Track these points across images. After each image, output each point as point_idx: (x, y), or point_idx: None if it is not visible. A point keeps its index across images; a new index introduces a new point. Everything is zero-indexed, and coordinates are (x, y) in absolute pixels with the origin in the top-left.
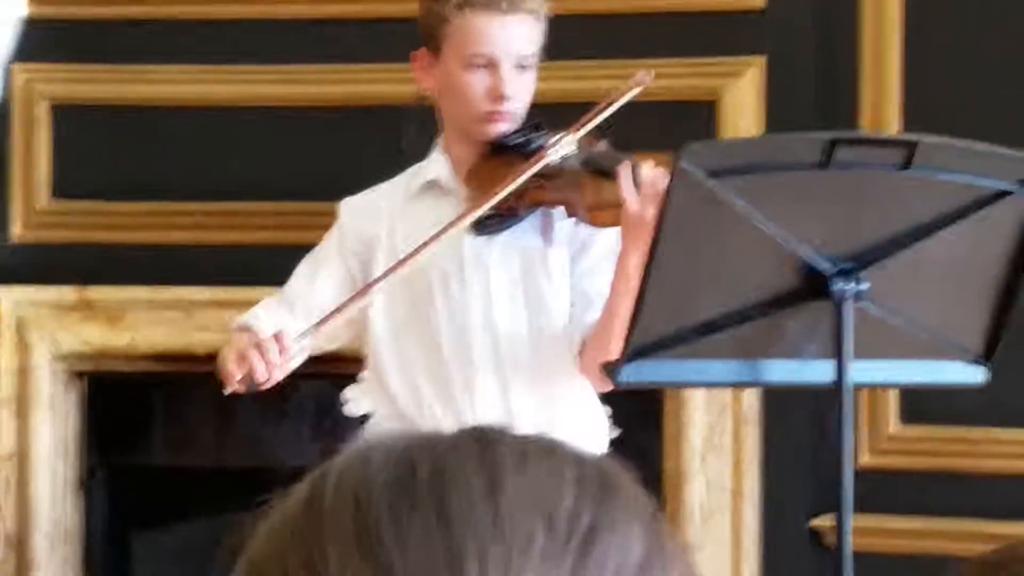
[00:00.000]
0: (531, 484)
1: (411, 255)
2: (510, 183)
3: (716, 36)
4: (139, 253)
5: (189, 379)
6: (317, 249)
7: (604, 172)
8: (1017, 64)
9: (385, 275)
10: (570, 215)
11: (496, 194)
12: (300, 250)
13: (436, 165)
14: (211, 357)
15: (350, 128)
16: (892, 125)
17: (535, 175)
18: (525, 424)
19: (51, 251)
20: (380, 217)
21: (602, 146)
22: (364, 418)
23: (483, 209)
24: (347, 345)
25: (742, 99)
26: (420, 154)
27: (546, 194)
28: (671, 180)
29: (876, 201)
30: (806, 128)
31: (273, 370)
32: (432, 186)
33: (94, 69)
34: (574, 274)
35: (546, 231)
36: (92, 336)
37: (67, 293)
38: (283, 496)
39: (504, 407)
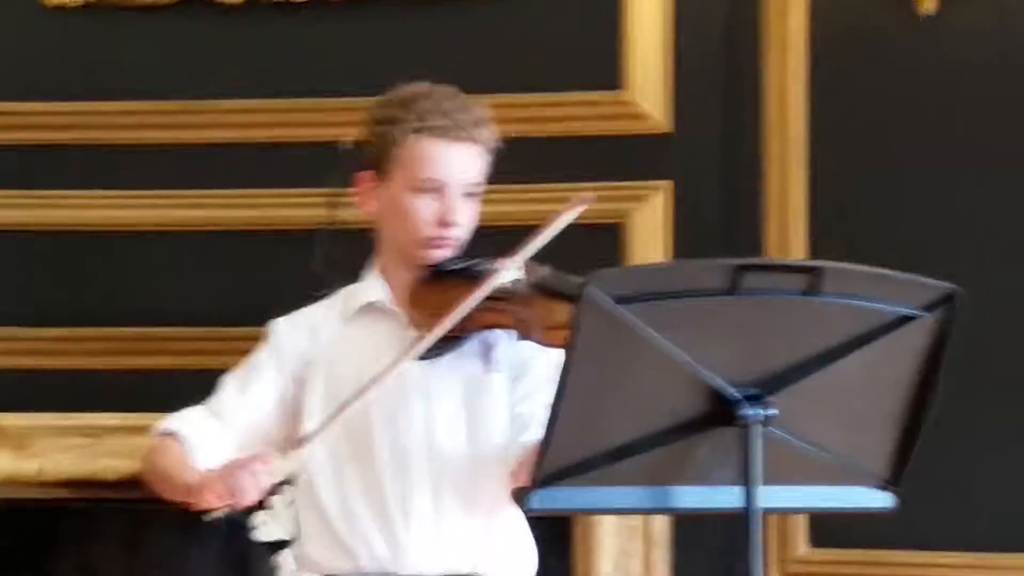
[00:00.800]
0: None
1: (381, 375)
2: (463, 306)
3: (623, 160)
4: (47, 379)
5: (98, 506)
6: (245, 366)
7: (557, 294)
8: (924, 188)
9: (356, 397)
10: (523, 336)
11: (450, 317)
12: (210, 375)
13: (373, 288)
14: (120, 483)
15: (260, 252)
16: (798, 251)
17: (489, 299)
18: (456, 547)
19: None
20: (317, 337)
21: (545, 268)
22: (277, 544)
23: (441, 331)
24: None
25: (649, 223)
26: (331, 277)
27: (498, 317)
28: (578, 306)
29: (783, 326)
30: (713, 252)
31: (259, 497)
32: (370, 308)
33: (4, 194)
34: (513, 396)
35: (486, 355)
36: (1, 463)
37: None
38: None
39: (437, 529)
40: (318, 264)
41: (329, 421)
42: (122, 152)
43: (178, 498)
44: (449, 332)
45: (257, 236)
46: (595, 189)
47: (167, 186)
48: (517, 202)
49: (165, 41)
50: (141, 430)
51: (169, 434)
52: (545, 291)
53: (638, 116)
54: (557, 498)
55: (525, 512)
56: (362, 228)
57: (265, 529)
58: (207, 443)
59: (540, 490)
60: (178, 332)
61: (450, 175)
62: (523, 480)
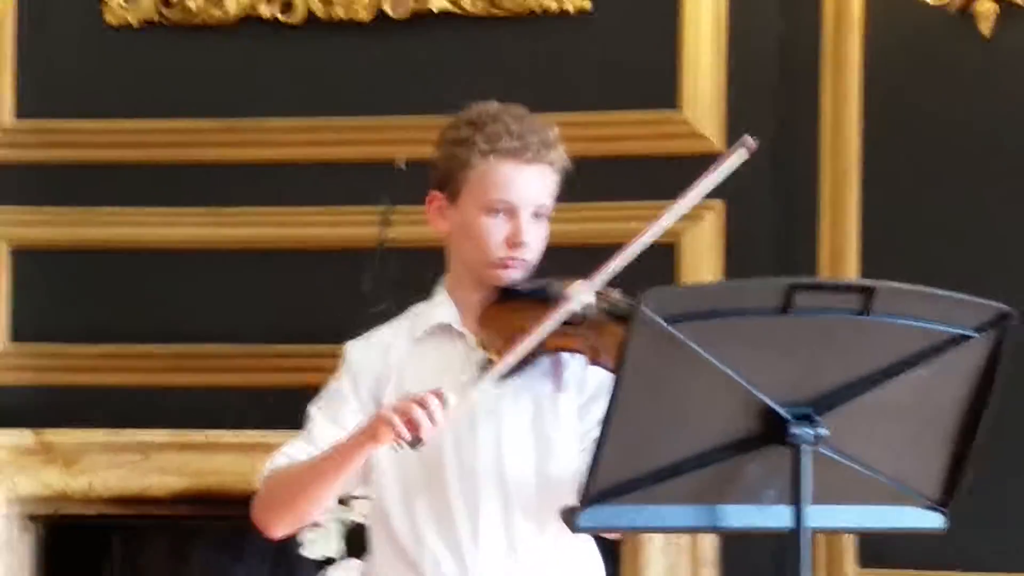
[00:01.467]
0: None
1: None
2: (536, 330)
3: (675, 180)
4: (97, 396)
5: (146, 522)
6: (328, 394)
7: (624, 318)
8: (979, 208)
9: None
10: (593, 361)
11: (524, 344)
12: (259, 392)
13: (443, 308)
14: (169, 500)
15: (311, 270)
16: (851, 270)
17: (563, 323)
18: (525, 569)
19: (9, 394)
20: (387, 357)
21: (616, 293)
22: (326, 561)
23: (514, 359)
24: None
25: (702, 242)
26: (382, 295)
27: (570, 341)
28: (631, 325)
29: (835, 346)
30: (764, 271)
31: (435, 429)
32: (440, 329)
33: (53, 212)
34: (583, 421)
35: (556, 376)
36: (50, 479)
37: (25, 436)
38: None
39: (509, 552)
40: (368, 282)
41: (509, 361)
42: (177, 170)
43: (336, 476)
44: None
45: (309, 254)
46: (649, 209)
47: (221, 204)
48: (568, 221)
49: (223, 60)
50: (190, 447)
51: (280, 469)
52: (615, 317)
53: (692, 135)
54: (606, 517)
55: (574, 531)
56: (414, 247)
57: (312, 547)
58: None
59: (589, 508)
60: (227, 349)
61: (520, 197)
62: None
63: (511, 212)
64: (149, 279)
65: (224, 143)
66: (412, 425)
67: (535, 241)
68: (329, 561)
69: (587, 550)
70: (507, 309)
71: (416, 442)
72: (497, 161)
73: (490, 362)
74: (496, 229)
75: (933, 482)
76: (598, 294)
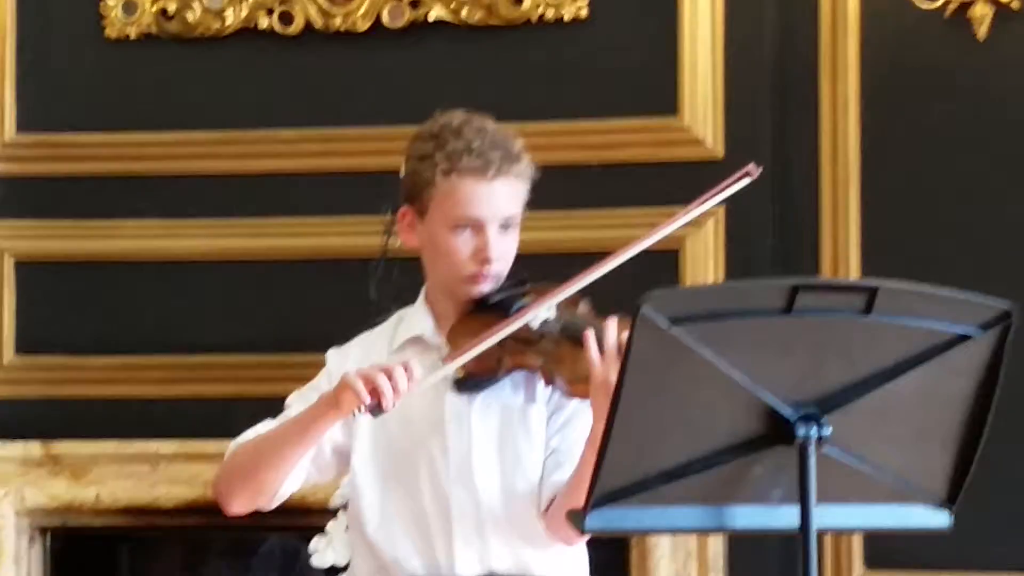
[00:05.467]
0: None
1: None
2: (483, 343)
3: (676, 186)
4: (104, 407)
5: (155, 533)
6: (307, 388)
7: (579, 340)
8: (978, 209)
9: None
10: (547, 383)
11: (468, 352)
12: (268, 402)
13: (420, 319)
14: (178, 511)
15: (317, 280)
16: (852, 272)
17: (517, 340)
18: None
19: (16, 407)
20: (365, 362)
21: (583, 308)
22: (332, 570)
23: (455, 365)
24: (331, 480)
25: (704, 247)
26: (388, 303)
27: (526, 360)
28: (632, 327)
29: (838, 346)
30: (766, 275)
31: (399, 398)
32: (416, 341)
33: (58, 225)
34: (549, 429)
35: (527, 388)
36: (58, 491)
37: (33, 448)
38: None
39: (482, 562)
40: (374, 291)
41: (484, 344)
42: (182, 182)
43: (296, 447)
44: (483, 369)
45: (314, 264)
46: (651, 216)
47: (226, 215)
48: (569, 228)
49: (223, 71)
50: (199, 457)
51: (243, 443)
52: (569, 336)
53: (691, 142)
54: (612, 518)
55: (581, 532)
56: (417, 255)
57: (320, 555)
58: None
59: (595, 510)
60: (236, 360)
61: (484, 212)
62: (557, 520)
63: (478, 227)
64: (155, 290)
65: (225, 155)
66: (375, 392)
67: (504, 254)
68: (336, 570)
69: (569, 557)
70: (475, 321)
71: (377, 409)
72: (459, 179)
73: (459, 376)
74: (463, 245)
75: (939, 481)
76: (560, 311)
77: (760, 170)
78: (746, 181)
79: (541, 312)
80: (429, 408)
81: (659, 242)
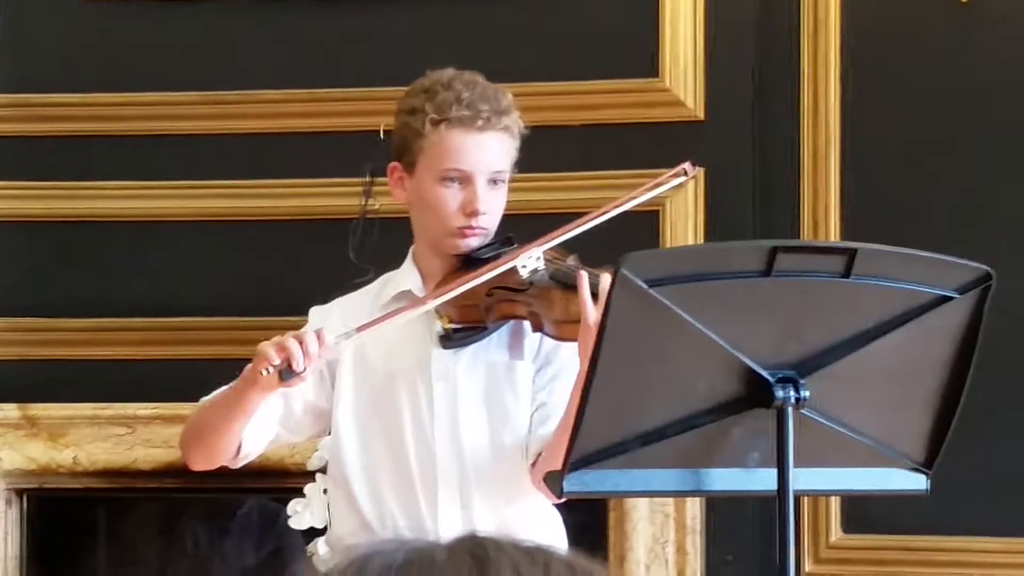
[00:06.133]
0: None
1: (377, 320)
2: (466, 282)
3: (657, 147)
4: (82, 369)
5: (133, 495)
6: None
7: (572, 286)
8: (959, 174)
9: (373, 323)
10: (535, 329)
11: (453, 289)
12: (244, 364)
13: (407, 276)
14: (156, 473)
15: (295, 242)
16: (832, 236)
17: (506, 289)
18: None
19: None
20: (349, 318)
21: (571, 260)
22: (310, 532)
23: (440, 300)
24: (307, 440)
25: (684, 209)
26: (367, 265)
27: (515, 307)
28: (611, 288)
29: (817, 308)
30: (747, 238)
31: (310, 361)
32: (403, 297)
33: (35, 186)
34: (536, 384)
35: (514, 345)
36: (35, 453)
37: (9, 410)
38: None
39: (465, 519)
40: (353, 253)
41: (358, 331)
42: (160, 142)
43: (232, 417)
44: (471, 320)
45: (292, 225)
46: (630, 177)
47: (202, 176)
48: (551, 190)
49: (204, 31)
50: (176, 420)
51: (201, 404)
52: (559, 282)
53: (672, 103)
54: (589, 481)
55: (558, 496)
56: (396, 217)
57: (298, 518)
58: None
59: (572, 473)
60: (212, 322)
61: (473, 164)
62: (545, 471)
63: (466, 180)
64: (132, 252)
65: (204, 115)
66: (284, 355)
67: (492, 208)
68: (314, 532)
69: (548, 518)
70: (462, 276)
71: (287, 372)
72: (448, 130)
73: (445, 331)
74: (451, 198)
75: (917, 444)
76: (548, 260)
77: (696, 170)
78: (682, 179)
79: (530, 262)
80: (415, 365)
81: (637, 203)
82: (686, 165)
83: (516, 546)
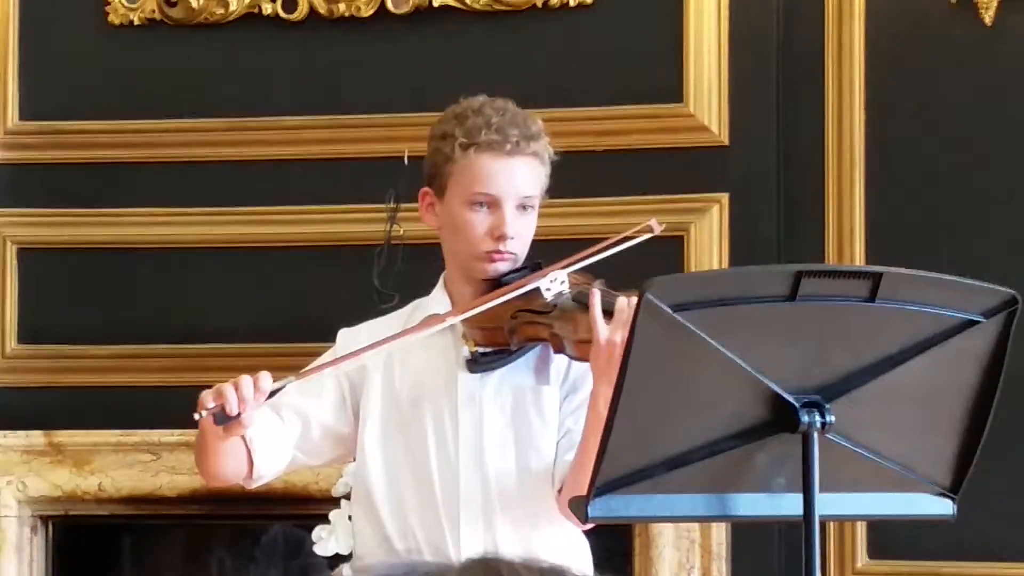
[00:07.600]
0: None
1: (390, 339)
2: (496, 299)
3: (682, 173)
4: (107, 396)
5: (158, 522)
6: (312, 364)
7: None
8: (984, 197)
9: (370, 348)
10: (556, 350)
11: (478, 307)
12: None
13: (438, 301)
14: (181, 499)
15: (321, 268)
16: (856, 261)
17: (531, 311)
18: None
19: (18, 396)
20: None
21: (597, 285)
22: (335, 558)
23: (463, 317)
24: (327, 464)
25: (708, 233)
26: (390, 292)
27: (538, 330)
28: (636, 313)
29: (842, 333)
30: (771, 261)
31: (244, 406)
32: (433, 319)
33: (61, 213)
34: (563, 411)
35: (540, 370)
36: (61, 480)
37: (35, 437)
38: None
39: (489, 544)
40: (377, 279)
41: (323, 366)
42: (185, 169)
43: (205, 452)
44: (497, 343)
45: (318, 252)
46: (655, 202)
47: (226, 203)
48: (576, 216)
49: (227, 58)
50: None
51: None
52: (583, 305)
53: (697, 128)
54: (615, 506)
55: (584, 521)
56: (422, 243)
57: (323, 544)
58: (262, 432)
59: (598, 499)
60: (237, 349)
61: (501, 189)
62: (569, 497)
63: (494, 205)
64: (158, 279)
65: (228, 142)
66: (220, 400)
67: (521, 233)
68: (340, 558)
69: (575, 544)
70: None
71: (222, 416)
72: (477, 154)
73: (472, 355)
74: (480, 222)
75: (943, 469)
76: (573, 284)
77: (662, 227)
78: (646, 236)
79: (554, 285)
80: (442, 389)
81: (663, 228)
82: (652, 222)
83: (530, 567)
